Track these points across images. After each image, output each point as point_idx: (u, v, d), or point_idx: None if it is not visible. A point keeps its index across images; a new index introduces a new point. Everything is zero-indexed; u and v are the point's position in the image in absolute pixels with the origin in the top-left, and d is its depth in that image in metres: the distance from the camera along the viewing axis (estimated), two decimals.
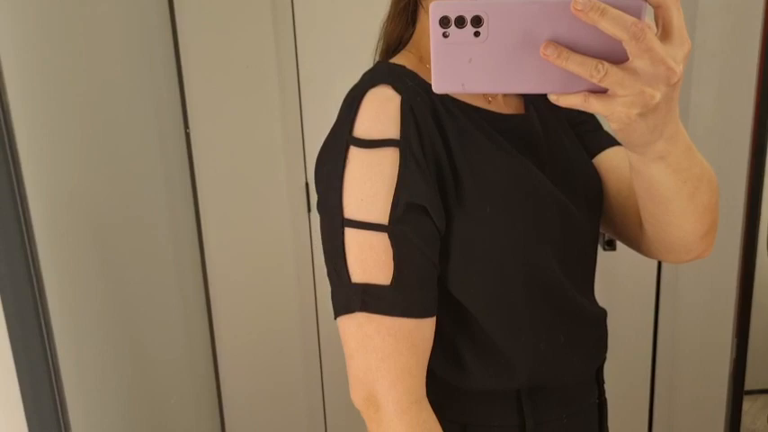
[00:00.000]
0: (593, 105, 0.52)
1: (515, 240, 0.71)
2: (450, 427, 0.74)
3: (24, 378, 0.95)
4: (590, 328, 0.82)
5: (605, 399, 0.87)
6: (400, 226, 0.67)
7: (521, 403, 0.77)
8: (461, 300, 0.73)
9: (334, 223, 0.69)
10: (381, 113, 0.68)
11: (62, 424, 1.02)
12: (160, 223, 1.58)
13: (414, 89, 0.70)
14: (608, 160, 0.83)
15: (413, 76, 0.72)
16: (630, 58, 0.50)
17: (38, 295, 0.96)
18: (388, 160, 0.67)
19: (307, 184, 1.71)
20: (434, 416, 0.71)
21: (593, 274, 0.85)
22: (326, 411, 1.85)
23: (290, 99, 1.65)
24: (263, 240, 1.72)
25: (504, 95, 0.81)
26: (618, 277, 1.69)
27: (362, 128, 0.68)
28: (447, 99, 0.73)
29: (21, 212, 0.94)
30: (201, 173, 1.67)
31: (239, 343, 1.78)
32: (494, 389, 0.77)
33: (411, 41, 0.80)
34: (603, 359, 0.86)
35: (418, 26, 0.79)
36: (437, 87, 0.54)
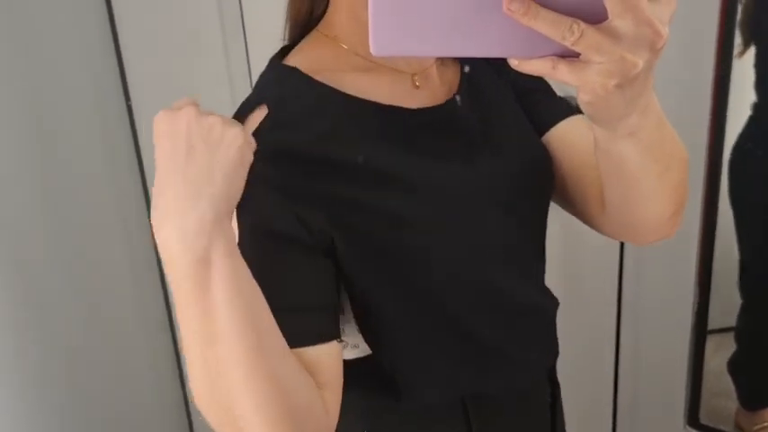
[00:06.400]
0: (563, 73, 0.44)
1: (434, 255, 0.66)
2: None
3: None
4: (536, 327, 0.77)
5: (558, 397, 0.83)
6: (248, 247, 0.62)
7: (467, 413, 0.72)
8: (379, 316, 0.68)
9: None
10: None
11: None
12: (110, 221, 1.48)
13: (295, 111, 0.63)
14: (563, 134, 0.75)
15: (303, 86, 0.65)
16: (610, 18, 0.41)
17: None
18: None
19: None
20: None
21: (542, 260, 0.78)
22: None
23: (239, 64, 1.52)
24: None
25: (440, 64, 0.72)
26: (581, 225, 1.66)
27: None
28: (347, 106, 0.64)
29: None
30: (146, 148, 1.54)
31: None
32: (436, 402, 0.72)
33: (324, 18, 0.70)
34: (554, 357, 0.81)
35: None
36: (376, 50, 0.44)
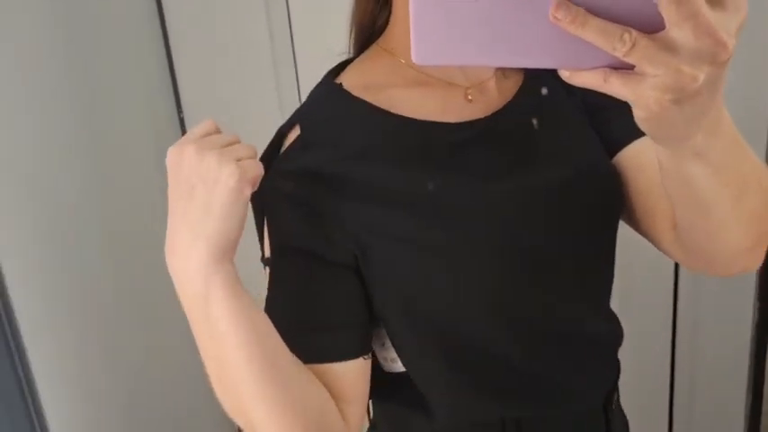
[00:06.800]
0: (615, 86, 0.40)
1: (464, 277, 0.64)
2: None
3: None
4: (587, 355, 0.73)
5: (616, 428, 0.78)
6: (273, 267, 0.65)
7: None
8: (407, 338, 0.68)
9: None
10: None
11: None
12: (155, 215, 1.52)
13: (329, 133, 0.65)
14: (634, 154, 0.70)
15: (344, 105, 0.66)
16: (667, 27, 0.38)
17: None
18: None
19: None
20: None
21: (605, 284, 0.74)
22: None
23: (287, 74, 1.54)
24: None
25: (501, 77, 0.70)
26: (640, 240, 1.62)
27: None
28: (386, 125, 0.64)
29: None
30: None
31: None
32: (470, 423, 0.71)
33: (385, 31, 0.70)
34: (609, 386, 0.76)
35: (394, 10, 0.68)
36: (418, 58, 0.43)
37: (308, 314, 0.63)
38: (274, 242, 0.64)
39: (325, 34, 1.47)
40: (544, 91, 0.71)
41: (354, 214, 0.62)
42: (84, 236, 1.28)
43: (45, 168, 1.16)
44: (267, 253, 0.66)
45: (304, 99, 1.70)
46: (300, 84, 1.55)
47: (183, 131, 1.57)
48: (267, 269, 0.66)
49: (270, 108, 1.55)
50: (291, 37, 1.51)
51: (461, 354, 0.68)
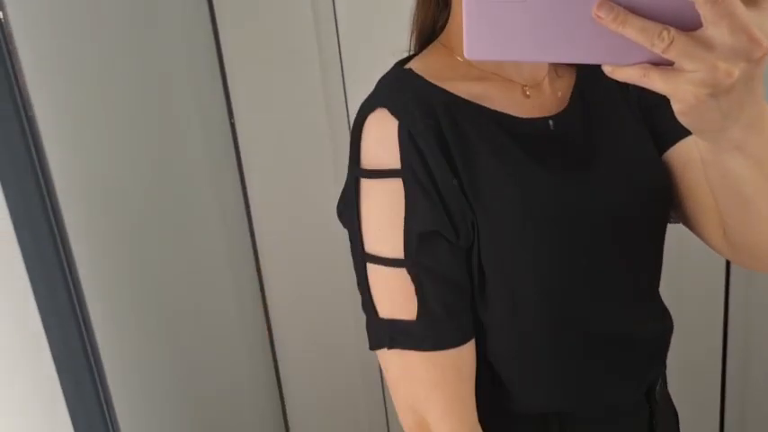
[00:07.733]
0: (654, 81, 0.43)
1: (530, 271, 0.66)
2: None
3: (64, 365, 0.94)
4: (636, 351, 0.74)
5: (659, 414, 0.79)
6: (418, 258, 0.64)
7: (548, 428, 0.72)
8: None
9: (358, 257, 0.68)
10: (381, 142, 0.64)
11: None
12: (211, 220, 1.57)
13: (414, 107, 0.64)
14: (685, 151, 0.71)
15: (419, 85, 0.66)
16: (704, 25, 0.40)
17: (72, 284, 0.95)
18: (395, 191, 0.64)
19: None
20: None
21: (654, 277, 0.75)
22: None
23: (334, 84, 1.57)
24: (312, 229, 1.67)
25: (554, 76, 0.72)
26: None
27: (367, 158, 0.65)
28: (460, 107, 0.65)
29: (49, 203, 0.92)
30: (249, 164, 1.63)
31: (296, 336, 1.77)
32: (518, 412, 0.72)
33: (445, 29, 0.72)
34: (655, 380, 0.78)
35: (453, 8, 0.70)
36: (469, 53, 0.46)
37: (455, 297, 0.66)
38: (409, 228, 0.64)
39: (371, 36, 1.51)
40: (577, 96, 0.72)
41: (457, 193, 0.63)
42: (149, 233, 1.34)
43: (112, 171, 1.22)
44: (384, 246, 0.66)
45: (350, 102, 1.71)
46: (347, 87, 1.59)
47: (234, 137, 1.63)
48: (379, 264, 0.66)
49: (317, 113, 1.59)
50: (338, 41, 1.55)
51: (521, 343, 0.70)
